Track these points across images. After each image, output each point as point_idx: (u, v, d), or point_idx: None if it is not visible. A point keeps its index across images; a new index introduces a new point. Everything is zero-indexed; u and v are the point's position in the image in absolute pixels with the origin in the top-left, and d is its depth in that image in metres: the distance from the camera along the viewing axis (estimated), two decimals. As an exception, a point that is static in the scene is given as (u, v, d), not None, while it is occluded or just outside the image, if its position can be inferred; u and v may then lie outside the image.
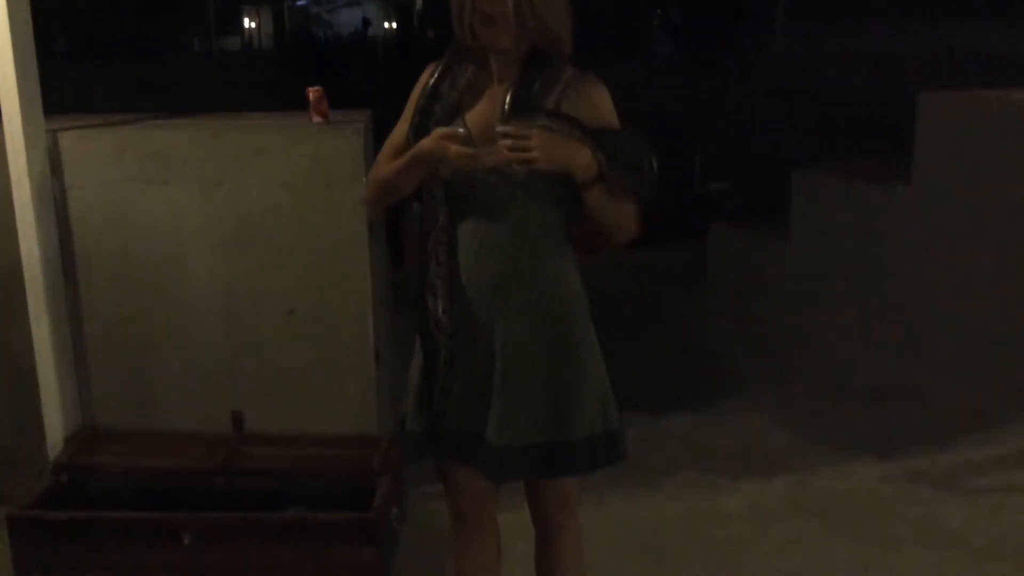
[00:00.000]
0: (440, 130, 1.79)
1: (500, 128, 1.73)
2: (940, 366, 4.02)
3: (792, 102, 7.46)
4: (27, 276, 2.80)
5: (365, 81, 9.42)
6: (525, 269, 1.89)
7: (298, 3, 16.73)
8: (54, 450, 2.86)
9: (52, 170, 2.84)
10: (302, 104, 2.97)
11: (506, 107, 1.81)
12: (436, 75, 1.91)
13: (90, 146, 2.87)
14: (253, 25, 15.43)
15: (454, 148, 1.75)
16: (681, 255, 5.88)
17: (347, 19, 17.81)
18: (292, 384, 2.95)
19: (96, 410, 2.99)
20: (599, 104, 1.87)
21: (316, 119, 2.92)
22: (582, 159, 1.78)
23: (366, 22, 16.68)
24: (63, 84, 4.02)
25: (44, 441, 2.89)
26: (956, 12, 7.42)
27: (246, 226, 2.87)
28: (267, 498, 2.70)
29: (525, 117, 1.76)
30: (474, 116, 1.88)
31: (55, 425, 2.88)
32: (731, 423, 3.76)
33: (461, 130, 1.75)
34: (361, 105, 3.19)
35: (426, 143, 1.81)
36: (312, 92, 2.94)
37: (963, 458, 3.40)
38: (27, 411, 2.93)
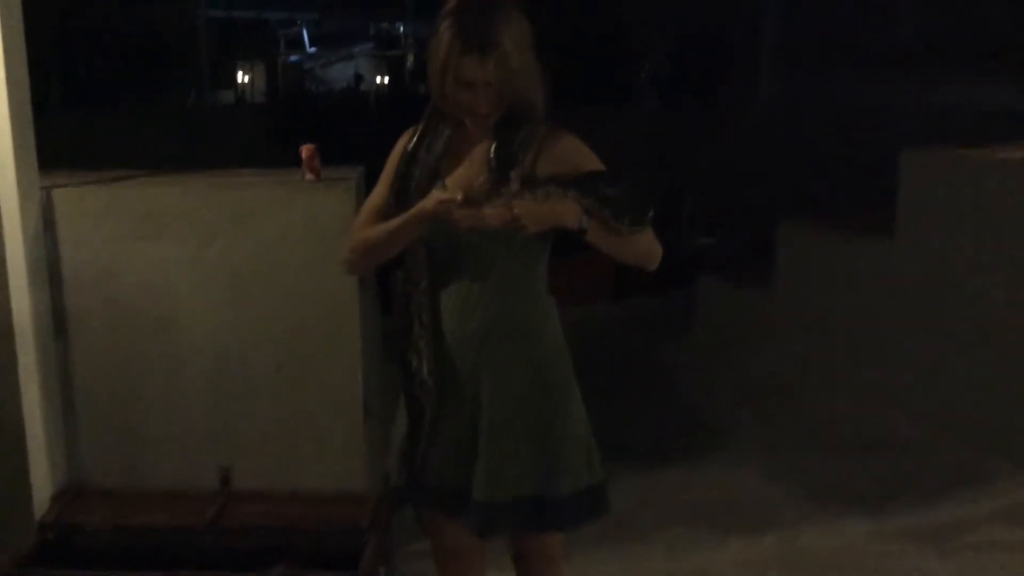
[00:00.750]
0: (438, 194, 1.82)
1: (485, 211, 1.74)
2: (929, 419, 4.04)
3: (777, 155, 7.56)
4: (17, 333, 2.81)
5: (357, 135, 9.53)
6: (508, 324, 1.92)
7: (291, 59, 16.93)
8: (40, 508, 2.84)
9: (45, 227, 2.86)
10: (295, 157, 3.01)
11: (491, 165, 1.85)
12: (414, 140, 1.95)
13: (83, 203, 2.90)
14: (247, 79, 15.59)
15: (458, 212, 1.76)
16: (668, 307, 5.91)
17: (340, 74, 18.00)
18: (280, 440, 2.95)
19: (84, 467, 2.98)
20: (575, 155, 1.91)
21: (308, 176, 2.96)
22: (564, 209, 1.81)
23: (358, 78, 16.88)
24: (57, 135, 4.05)
25: (31, 499, 2.87)
26: (941, 68, 7.57)
27: (238, 283, 2.89)
28: (255, 556, 2.68)
29: (504, 183, 1.79)
30: (454, 180, 1.92)
31: (42, 483, 2.86)
32: (720, 477, 3.75)
33: (459, 197, 1.77)
34: (354, 159, 3.22)
35: (427, 205, 1.82)
36: (305, 150, 2.98)
37: (953, 513, 3.40)
38: (14, 468, 2.91)
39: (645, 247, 1.92)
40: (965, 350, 3.93)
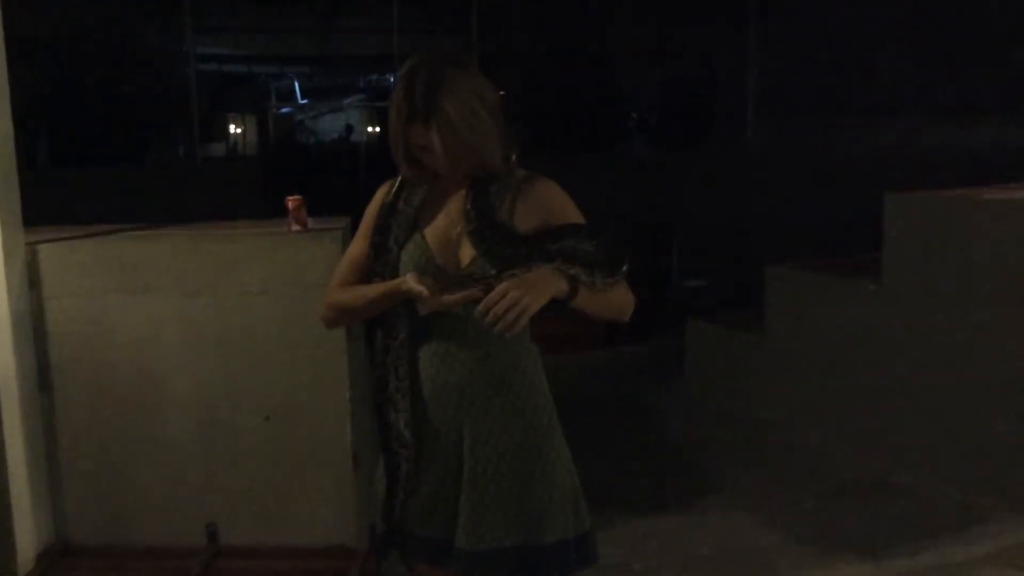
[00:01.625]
0: (413, 280, 1.81)
1: (478, 311, 1.73)
2: (920, 461, 4.02)
3: (765, 199, 7.63)
4: (2, 389, 2.79)
5: (348, 185, 9.60)
6: (489, 373, 1.91)
7: (283, 111, 17.05)
8: (25, 566, 2.81)
9: (31, 283, 2.86)
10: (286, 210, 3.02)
11: (468, 216, 1.86)
12: (392, 193, 1.96)
13: (69, 258, 2.91)
14: (238, 131, 15.69)
15: (432, 302, 1.77)
16: (658, 351, 5.92)
17: (331, 125, 18.14)
18: (268, 494, 2.92)
19: (69, 524, 2.95)
20: (552, 201, 1.91)
21: (294, 227, 2.97)
22: (553, 280, 1.80)
23: (349, 128, 17.01)
24: (47, 192, 4.06)
25: (15, 557, 2.83)
26: (926, 110, 7.69)
27: (224, 334, 2.88)
28: (241, 613, 2.64)
29: (484, 240, 1.79)
30: (432, 231, 1.92)
31: (26, 541, 2.83)
32: (713, 523, 3.72)
33: (426, 294, 1.78)
34: (345, 208, 3.23)
35: (403, 286, 1.82)
36: (291, 201, 2.99)
37: (949, 556, 3.37)
38: (-2, 527, 2.88)
39: (618, 301, 1.92)
40: (955, 391, 3.93)
